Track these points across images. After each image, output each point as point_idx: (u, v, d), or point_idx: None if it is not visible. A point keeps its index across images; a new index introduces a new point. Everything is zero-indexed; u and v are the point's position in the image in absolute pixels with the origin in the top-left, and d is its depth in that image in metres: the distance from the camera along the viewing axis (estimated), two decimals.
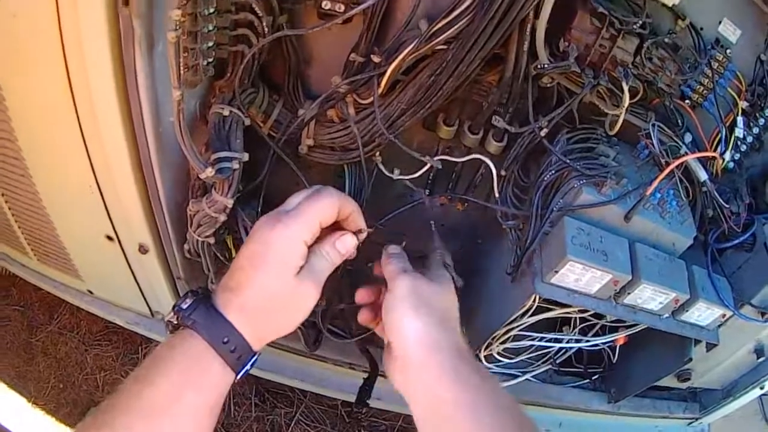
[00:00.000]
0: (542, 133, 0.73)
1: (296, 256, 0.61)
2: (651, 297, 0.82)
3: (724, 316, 0.91)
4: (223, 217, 0.74)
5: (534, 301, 0.83)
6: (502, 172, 0.78)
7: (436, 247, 0.77)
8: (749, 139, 0.93)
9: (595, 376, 1.14)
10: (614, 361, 1.07)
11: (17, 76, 0.73)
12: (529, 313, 0.82)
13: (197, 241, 0.80)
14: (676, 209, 0.86)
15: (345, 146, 0.80)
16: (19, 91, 0.75)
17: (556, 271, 0.75)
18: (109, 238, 0.86)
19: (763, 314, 0.99)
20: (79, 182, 0.81)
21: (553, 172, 0.76)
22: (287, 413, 1.13)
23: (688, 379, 1.09)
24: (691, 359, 0.95)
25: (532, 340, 0.90)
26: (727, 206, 0.90)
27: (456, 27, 0.63)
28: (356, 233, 0.68)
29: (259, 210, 0.85)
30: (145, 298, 0.98)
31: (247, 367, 0.61)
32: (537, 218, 0.76)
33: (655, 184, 0.78)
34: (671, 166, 0.79)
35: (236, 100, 0.74)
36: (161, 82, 0.67)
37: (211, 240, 0.79)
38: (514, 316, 0.81)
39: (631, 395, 1.08)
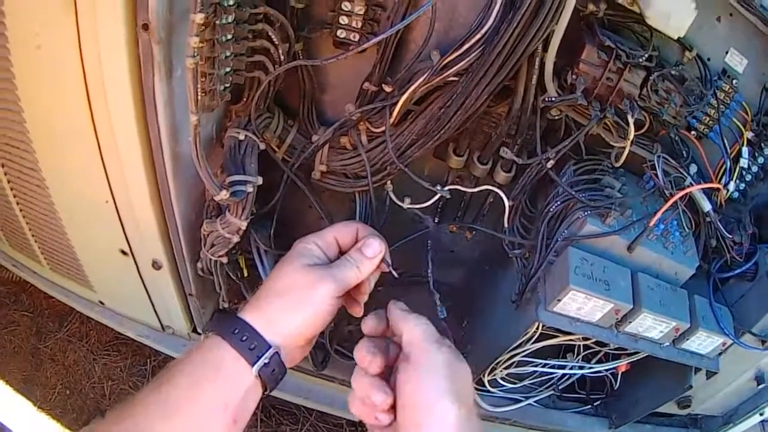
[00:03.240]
0: (549, 165, 0.75)
1: (305, 251, 0.64)
2: (652, 326, 0.83)
3: (724, 344, 0.92)
4: (236, 239, 0.76)
5: (537, 328, 0.84)
6: (510, 202, 0.79)
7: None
8: (754, 168, 0.94)
9: (597, 402, 1.14)
10: (616, 388, 1.07)
11: (38, 91, 0.75)
12: (533, 339, 0.84)
13: (210, 260, 0.81)
14: (680, 239, 0.87)
15: (357, 173, 0.81)
16: (38, 106, 0.77)
17: (559, 300, 0.76)
18: (123, 252, 0.88)
19: (763, 342, 0.99)
20: (95, 196, 0.82)
21: (559, 202, 0.77)
22: (292, 430, 1.14)
23: (689, 405, 1.09)
24: (691, 387, 0.96)
25: (536, 366, 0.91)
26: (729, 236, 0.91)
27: (467, 60, 0.65)
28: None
29: (272, 232, 0.87)
30: (156, 313, 0.99)
31: (265, 360, 0.58)
32: (542, 248, 0.77)
33: (658, 215, 0.79)
34: (674, 198, 0.80)
35: (251, 125, 0.76)
36: (179, 105, 0.69)
37: (224, 260, 0.80)
38: (518, 343, 0.82)
39: (631, 421, 1.09)
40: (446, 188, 0.78)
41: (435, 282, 0.94)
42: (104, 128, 0.73)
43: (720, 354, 0.95)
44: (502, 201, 0.79)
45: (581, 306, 0.77)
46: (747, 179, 0.94)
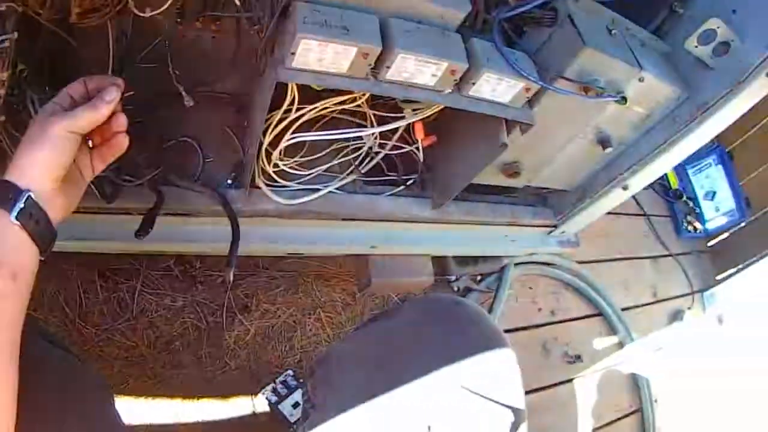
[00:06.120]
0: None
1: (44, 109, 0.74)
2: (418, 69, 0.86)
3: (528, 89, 0.95)
4: (2, 92, 0.82)
5: (293, 99, 0.90)
6: None
7: None
8: None
9: (411, 182, 1.17)
10: (422, 160, 1.12)
11: None
12: (293, 109, 0.89)
13: None
14: None
15: (104, 3, 0.86)
16: None
17: (293, 53, 0.78)
18: None
19: (586, 90, 1.03)
20: None
21: None
22: (129, 287, 1.23)
23: (518, 173, 1.13)
24: (505, 144, 0.99)
25: (304, 137, 0.94)
26: None
27: None
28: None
29: (47, 88, 0.94)
30: None
31: (20, 204, 0.66)
32: (270, 10, 0.82)
33: None
34: None
35: None
36: None
37: (2, 117, 0.88)
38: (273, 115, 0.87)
39: (451, 197, 1.12)
40: None
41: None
42: None
43: (530, 104, 1.00)
44: None
45: (321, 56, 0.80)
46: None
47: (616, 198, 1.29)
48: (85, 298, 1.17)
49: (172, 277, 1.25)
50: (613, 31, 1.08)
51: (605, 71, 1.02)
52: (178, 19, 0.93)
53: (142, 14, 0.91)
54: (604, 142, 1.18)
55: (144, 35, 0.96)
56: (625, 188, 1.28)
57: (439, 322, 0.88)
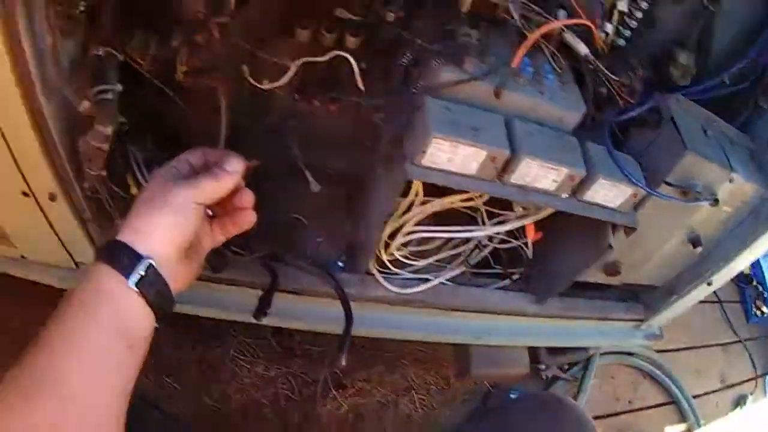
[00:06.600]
0: (389, 19, 0.84)
1: (163, 171, 0.73)
2: (541, 174, 0.89)
3: (635, 195, 0.98)
4: (106, 146, 0.87)
5: (417, 193, 0.93)
6: (363, 65, 0.88)
7: None
8: (638, 14, 0.99)
9: (516, 276, 1.20)
10: (531, 257, 1.13)
11: None
12: (416, 203, 0.92)
13: (93, 176, 0.93)
14: (557, 85, 0.92)
15: (215, 66, 0.90)
16: None
17: (424, 151, 0.81)
18: (25, 194, 0.99)
19: (685, 193, 1.05)
20: None
21: (410, 56, 0.85)
22: (223, 351, 1.25)
23: (618, 272, 1.15)
24: (611, 246, 1.01)
25: (427, 232, 0.98)
26: (616, 79, 0.98)
27: None
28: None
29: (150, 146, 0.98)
30: (67, 249, 1.10)
31: (140, 271, 0.63)
32: (397, 101, 0.86)
33: (520, 53, 0.84)
34: (535, 35, 0.84)
35: (111, 42, 0.88)
36: (41, 35, 0.76)
37: (104, 173, 0.92)
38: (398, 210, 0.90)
39: (555, 293, 1.14)
40: (299, 61, 0.88)
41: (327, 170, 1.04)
42: None
43: (635, 208, 1.02)
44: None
45: (451, 156, 0.84)
46: (632, 26, 1.00)
47: (701, 293, 1.31)
48: (176, 358, 1.20)
49: (267, 345, 1.27)
50: (708, 132, 1.10)
51: (702, 175, 1.05)
52: (296, 95, 0.97)
53: (259, 86, 0.96)
54: (694, 241, 1.20)
55: (256, 105, 0.99)
56: (709, 284, 1.30)
57: (548, 422, 0.89)
